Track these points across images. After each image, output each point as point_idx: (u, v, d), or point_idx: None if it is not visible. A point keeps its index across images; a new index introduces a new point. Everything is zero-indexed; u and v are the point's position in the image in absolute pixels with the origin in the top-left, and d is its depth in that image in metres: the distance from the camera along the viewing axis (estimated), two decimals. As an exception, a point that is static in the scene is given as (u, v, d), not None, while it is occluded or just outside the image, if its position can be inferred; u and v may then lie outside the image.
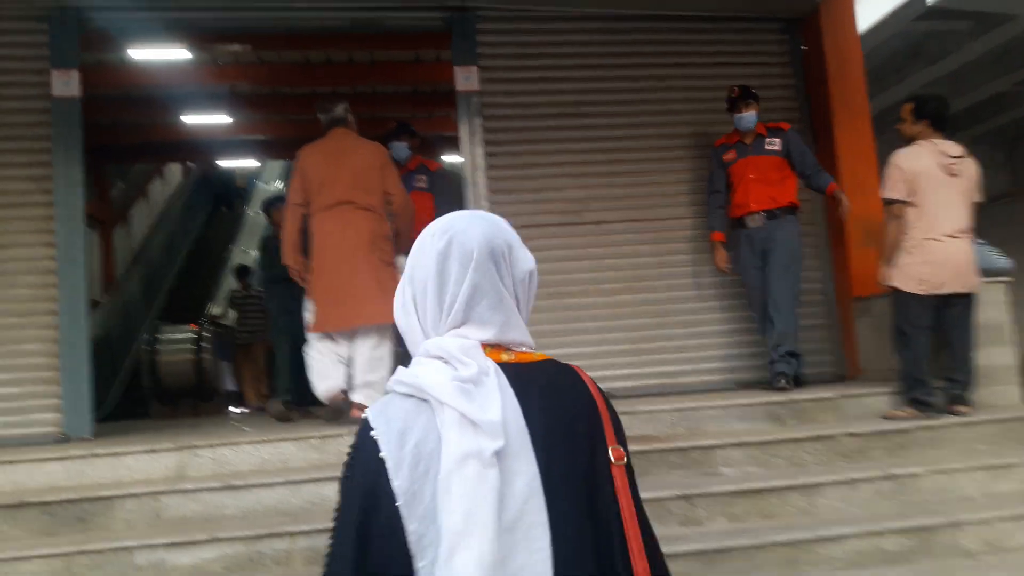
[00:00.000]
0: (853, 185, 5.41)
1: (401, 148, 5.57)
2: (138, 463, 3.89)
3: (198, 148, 12.15)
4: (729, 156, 5.26)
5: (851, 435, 4.16)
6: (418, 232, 1.36)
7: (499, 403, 1.14)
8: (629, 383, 5.36)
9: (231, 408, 8.84)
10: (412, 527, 1.09)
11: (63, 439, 4.75)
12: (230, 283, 10.95)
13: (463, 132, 5.42)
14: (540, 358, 1.26)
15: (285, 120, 10.84)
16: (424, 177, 5.61)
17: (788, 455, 4.10)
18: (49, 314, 4.92)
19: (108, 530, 3.52)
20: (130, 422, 7.11)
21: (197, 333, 9.46)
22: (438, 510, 1.08)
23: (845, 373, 5.58)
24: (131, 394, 9.99)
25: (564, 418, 1.20)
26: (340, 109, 4.72)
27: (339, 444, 3.95)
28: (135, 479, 3.85)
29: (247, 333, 8.77)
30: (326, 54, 9.30)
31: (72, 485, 3.79)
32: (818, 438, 4.14)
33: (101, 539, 3.38)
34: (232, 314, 9.35)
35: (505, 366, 1.21)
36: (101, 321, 11.35)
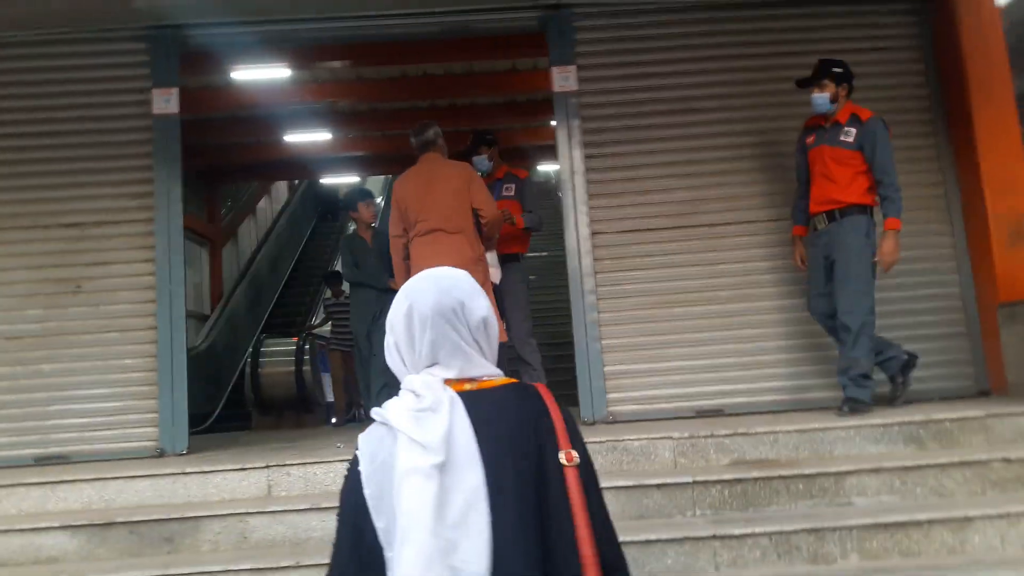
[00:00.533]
0: (997, 180, 4.84)
1: (482, 161, 5.39)
2: (227, 481, 3.77)
3: (301, 166, 12.41)
4: (809, 140, 4.67)
5: (1005, 461, 3.62)
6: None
7: (444, 427, 1.38)
8: (743, 399, 4.94)
9: (332, 420, 8.83)
10: (380, 525, 1.38)
11: (158, 454, 4.73)
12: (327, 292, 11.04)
13: (561, 135, 5.15)
14: (501, 383, 1.50)
15: (383, 136, 10.89)
16: (512, 186, 5.40)
17: (931, 483, 3.60)
18: (148, 329, 4.93)
19: (194, 552, 3.40)
20: (230, 435, 7.16)
21: (298, 345, 9.51)
22: (395, 512, 1.35)
23: (988, 388, 4.97)
24: (235, 406, 10.17)
25: (512, 429, 1.42)
26: (430, 133, 4.71)
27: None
28: (223, 498, 3.73)
29: (339, 341, 8.70)
30: (423, 67, 9.30)
31: (160, 504, 3.70)
32: (966, 464, 3.62)
33: (186, 562, 3.25)
34: (329, 324, 9.36)
35: (465, 394, 1.45)
36: (209, 335, 11.70)
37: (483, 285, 4.45)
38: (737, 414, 4.82)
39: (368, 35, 5.34)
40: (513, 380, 1.51)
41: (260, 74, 8.78)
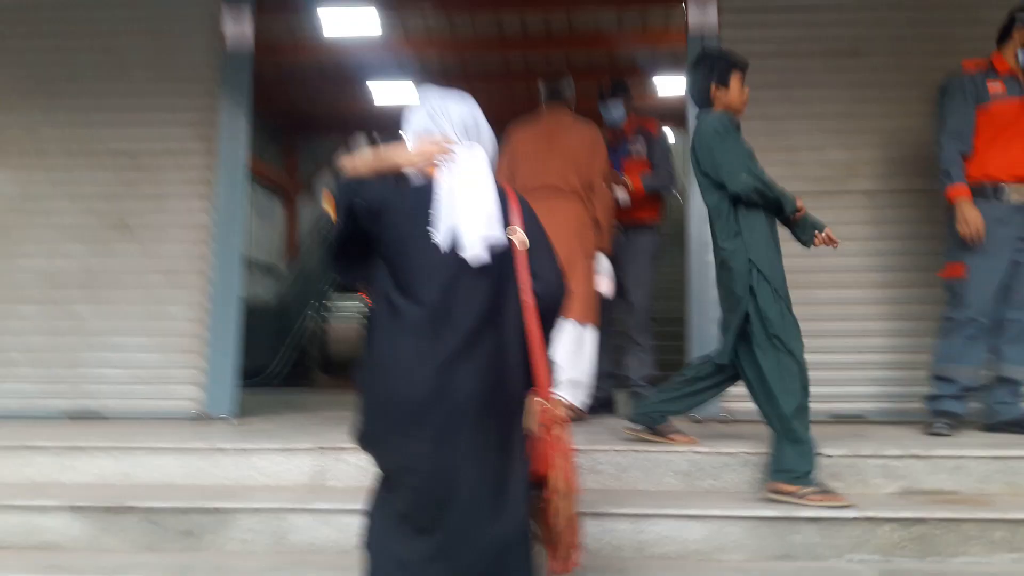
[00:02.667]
0: None
1: (616, 107, 4.61)
2: (269, 464, 3.09)
3: (383, 122, 11.81)
4: (996, 87, 3.65)
5: None
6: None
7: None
8: (890, 404, 4.07)
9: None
10: None
11: (201, 417, 4.12)
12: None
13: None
14: None
15: (472, 93, 10.15)
16: (642, 140, 4.55)
17: None
18: (198, 275, 4.31)
19: (218, 552, 2.73)
20: (289, 394, 6.58)
21: (365, 302, 8.90)
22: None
23: None
24: (301, 363, 9.69)
25: None
26: (563, 84, 4.32)
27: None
28: (263, 485, 3.06)
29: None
30: (521, 17, 8.52)
31: (187, 485, 3.06)
32: None
33: (208, 565, 2.59)
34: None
35: None
36: (279, 288, 11.28)
37: (588, 259, 4.00)
38: (882, 422, 3.94)
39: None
40: None
41: (347, 19, 8.14)
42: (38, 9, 4.48)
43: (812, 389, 4.04)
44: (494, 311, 1.91)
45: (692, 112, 4.19)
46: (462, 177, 1.94)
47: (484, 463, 1.85)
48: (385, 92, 10.07)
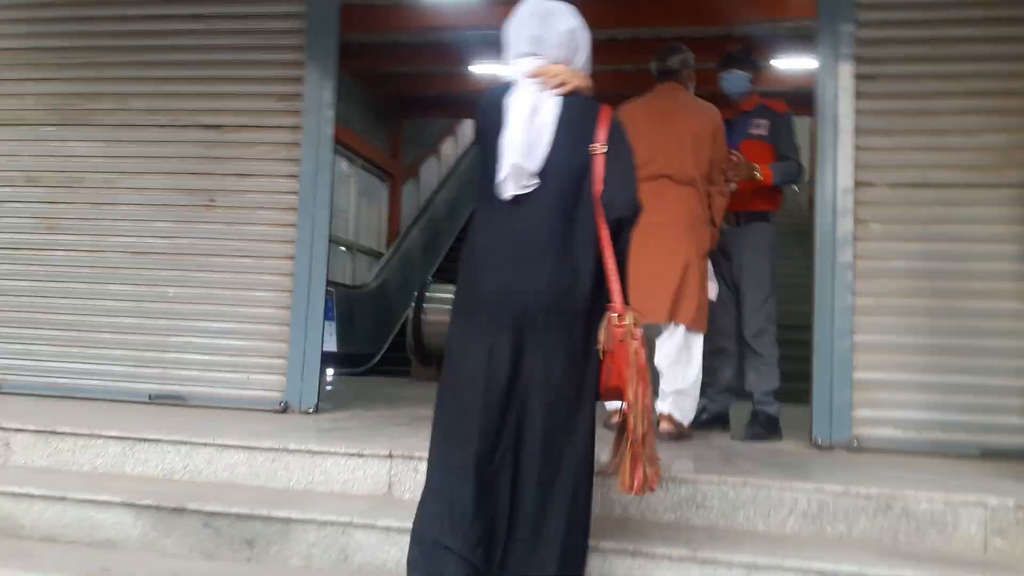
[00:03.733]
0: None
1: (739, 79, 4.09)
2: (338, 470, 2.84)
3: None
4: None
5: None
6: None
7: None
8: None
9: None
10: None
11: (282, 408, 3.94)
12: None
13: (822, 46, 3.74)
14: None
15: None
16: (764, 122, 4.02)
17: None
18: (285, 258, 4.12)
19: (280, 564, 2.49)
20: (383, 382, 6.41)
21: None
22: None
23: None
24: (400, 349, 9.57)
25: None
26: (676, 60, 3.90)
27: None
28: (330, 492, 2.81)
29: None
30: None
31: (252, 487, 2.84)
32: None
33: (263, 582, 2.36)
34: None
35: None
36: (382, 273, 11.22)
37: (701, 258, 3.66)
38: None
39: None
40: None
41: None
42: (127, -25, 4.37)
43: (960, 416, 3.53)
44: (567, 221, 2.10)
45: (823, 91, 3.70)
46: (518, 103, 2.15)
47: (550, 362, 2.05)
48: (491, 73, 9.77)
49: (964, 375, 3.57)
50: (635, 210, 2.15)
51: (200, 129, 4.24)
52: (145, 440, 2.99)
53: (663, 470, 2.30)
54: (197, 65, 4.27)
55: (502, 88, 2.21)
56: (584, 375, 2.08)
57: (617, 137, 2.17)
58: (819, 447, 3.53)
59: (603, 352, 2.05)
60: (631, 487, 2.05)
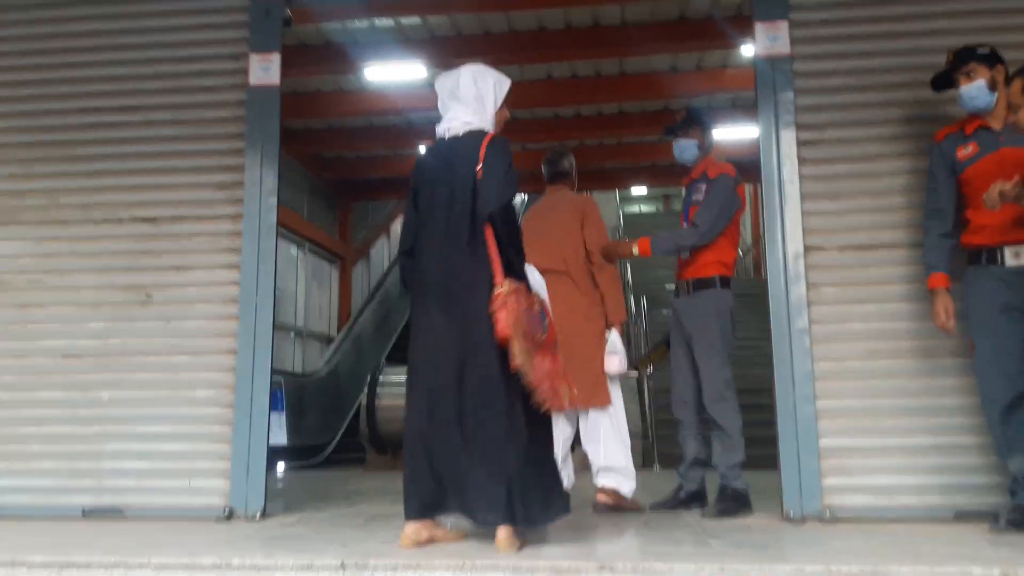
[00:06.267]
0: None
1: (688, 147, 4.05)
2: (286, 584, 2.61)
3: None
4: (966, 151, 3.30)
5: None
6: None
7: None
8: None
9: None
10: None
11: (226, 515, 3.69)
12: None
13: (763, 114, 3.79)
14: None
15: (523, 150, 9.87)
16: (703, 187, 3.98)
17: None
18: (227, 352, 3.93)
19: None
20: (334, 475, 6.13)
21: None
22: None
23: None
24: (353, 437, 9.27)
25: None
26: (565, 163, 4.30)
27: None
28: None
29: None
30: (572, 66, 8.28)
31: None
32: None
33: None
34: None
35: None
36: (332, 359, 10.96)
37: (597, 337, 3.99)
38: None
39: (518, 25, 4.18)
40: None
41: (393, 72, 7.99)
42: (58, 68, 4.24)
43: (930, 479, 3.45)
44: (471, 226, 2.86)
45: (767, 158, 3.73)
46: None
47: (451, 322, 2.88)
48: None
49: (931, 436, 3.52)
50: (497, 202, 2.80)
51: (135, 223, 4.08)
52: (74, 565, 2.72)
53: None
54: (132, 157, 4.14)
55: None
56: (491, 332, 2.75)
57: (490, 152, 2.88)
58: (791, 520, 3.42)
59: (491, 314, 2.72)
60: (551, 404, 2.81)
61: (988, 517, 3.19)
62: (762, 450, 4.14)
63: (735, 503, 3.68)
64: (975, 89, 3.26)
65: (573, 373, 3.69)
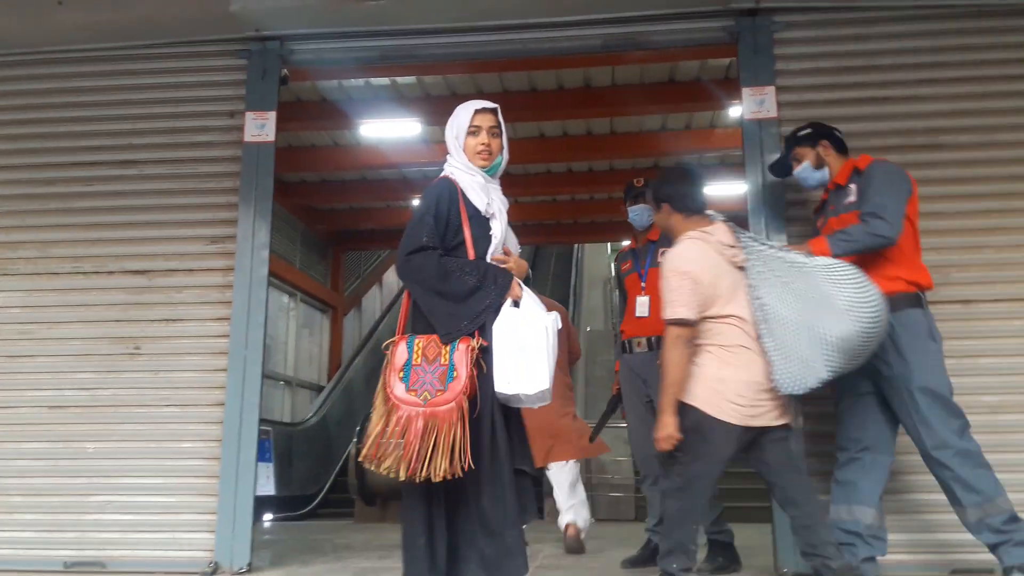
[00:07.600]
0: None
1: (640, 212, 4.11)
2: (270, 644, 2.57)
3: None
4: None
5: None
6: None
7: None
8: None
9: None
10: None
11: (212, 570, 3.64)
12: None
13: (751, 175, 3.87)
14: None
15: (515, 203, 9.96)
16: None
17: None
18: (215, 405, 3.91)
19: None
20: (327, 527, 6.05)
21: (405, 426, 8.36)
22: None
23: None
24: (342, 489, 9.13)
25: None
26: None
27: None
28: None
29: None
30: (562, 125, 8.40)
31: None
32: None
33: None
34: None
35: None
36: (321, 409, 10.86)
37: (573, 430, 4.70)
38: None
39: (512, 50, 4.26)
40: None
41: (386, 128, 8.09)
42: (55, 123, 4.31)
43: (923, 536, 3.44)
44: None
45: (756, 218, 3.79)
46: None
47: None
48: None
49: (923, 492, 3.51)
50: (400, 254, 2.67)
51: (127, 275, 4.11)
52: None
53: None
54: (126, 211, 4.18)
55: None
56: None
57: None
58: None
59: None
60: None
61: (983, 573, 3.18)
62: (756, 502, 4.14)
63: (726, 558, 3.70)
64: (804, 171, 3.31)
65: (553, 427, 4.54)
